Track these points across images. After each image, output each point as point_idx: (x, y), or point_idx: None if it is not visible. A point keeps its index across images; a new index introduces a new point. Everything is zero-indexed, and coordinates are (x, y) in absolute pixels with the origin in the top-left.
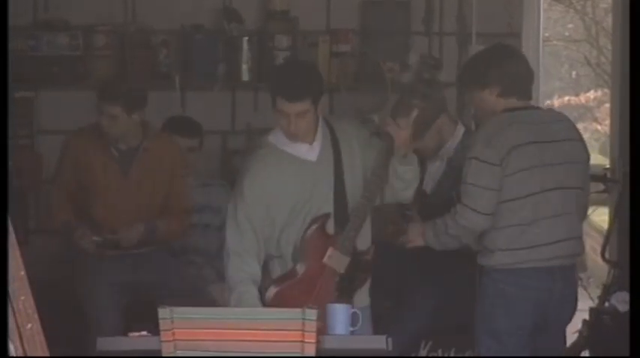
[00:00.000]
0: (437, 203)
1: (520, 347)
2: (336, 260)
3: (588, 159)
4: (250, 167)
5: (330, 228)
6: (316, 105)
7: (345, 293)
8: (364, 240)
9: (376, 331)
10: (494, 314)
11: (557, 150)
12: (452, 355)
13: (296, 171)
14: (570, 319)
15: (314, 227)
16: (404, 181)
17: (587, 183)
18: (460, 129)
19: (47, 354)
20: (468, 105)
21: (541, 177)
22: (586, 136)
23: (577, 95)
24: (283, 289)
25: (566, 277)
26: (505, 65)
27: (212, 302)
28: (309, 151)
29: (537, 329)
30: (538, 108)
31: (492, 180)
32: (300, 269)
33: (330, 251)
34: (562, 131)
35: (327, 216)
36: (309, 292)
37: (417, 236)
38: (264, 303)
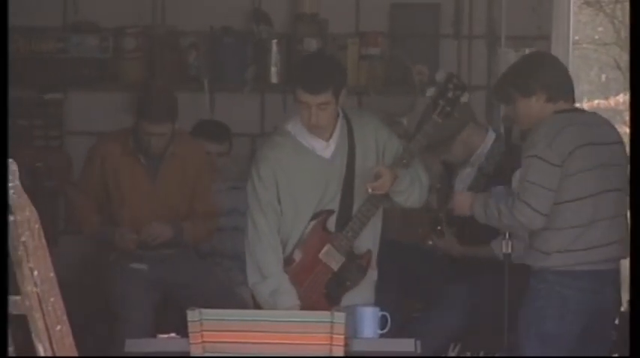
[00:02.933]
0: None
1: (567, 351)
2: (331, 257)
3: (628, 161)
4: (267, 153)
5: (332, 225)
6: (337, 97)
7: (333, 292)
8: (363, 244)
9: (405, 334)
10: (545, 316)
11: (610, 152)
12: (481, 355)
13: (309, 165)
14: (614, 322)
15: (316, 221)
16: (401, 194)
17: (627, 185)
18: (491, 136)
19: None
20: (509, 112)
21: (599, 178)
22: None
23: (606, 98)
24: None
25: (614, 280)
26: (549, 71)
27: (240, 305)
28: (325, 148)
29: (586, 333)
30: (585, 110)
31: (553, 180)
32: (297, 258)
33: (326, 247)
34: (610, 133)
35: (329, 212)
36: (300, 284)
37: (464, 206)
38: None
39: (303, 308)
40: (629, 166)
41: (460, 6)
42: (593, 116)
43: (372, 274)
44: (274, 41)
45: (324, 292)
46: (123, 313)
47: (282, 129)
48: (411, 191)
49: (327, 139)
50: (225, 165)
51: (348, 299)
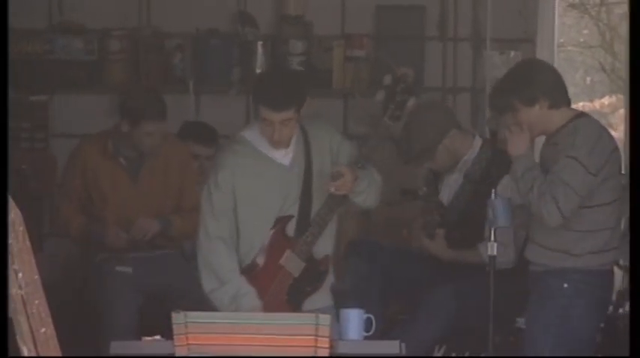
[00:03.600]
0: (454, 214)
1: (588, 349)
2: (291, 263)
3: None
4: (225, 161)
5: (292, 230)
6: (299, 111)
7: (294, 298)
8: (322, 249)
9: (390, 336)
10: (570, 315)
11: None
12: (466, 356)
13: (269, 173)
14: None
15: (276, 227)
16: (360, 194)
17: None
18: (478, 142)
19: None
20: (508, 120)
21: (620, 181)
22: None
23: (591, 101)
24: None
25: (613, 280)
26: (548, 77)
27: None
28: (284, 156)
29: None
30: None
31: (585, 187)
32: (260, 264)
33: (287, 253)
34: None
35: (289, 217)
36: (264, 290)
37: (519, 146)
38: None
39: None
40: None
41: (445, 8)
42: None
43: (330, 278)
44: (260, 43)
45: (285, 298)
46: (107, 315)
47: (240, 137)
48: (369, 192)
49: (286, 147)
50: (211, 168)
51: (308, 304)
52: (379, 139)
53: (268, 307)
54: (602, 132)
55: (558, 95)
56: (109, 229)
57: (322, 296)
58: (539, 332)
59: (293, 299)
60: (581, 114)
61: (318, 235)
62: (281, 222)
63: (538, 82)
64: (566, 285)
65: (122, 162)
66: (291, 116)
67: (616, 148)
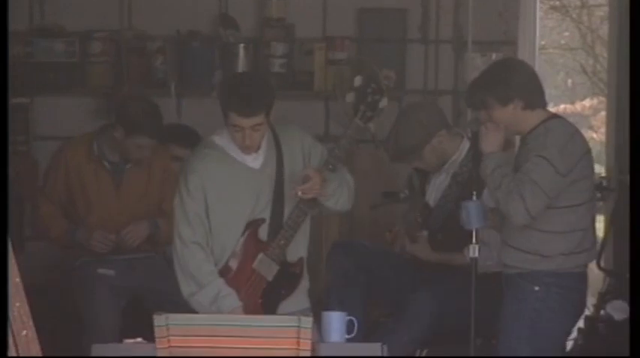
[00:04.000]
0: (440, 215)
1: (560, 350)
2: (265, 266)
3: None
4: (196, 166)
5: (264, 234)
6: (268, 116)
7: (269, 302)
8: (295, 252)
9: (372, 339)
10: (541, 318)
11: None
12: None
13: (239, 176)
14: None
15: (248, 231)
16: (330, 197)
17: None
18: (465, 144)
19: None
20: (482, 117)
21: (591, 183)
22: None
23: (573, 103)
24: None
25: (587, 282)
26: (524, 77)
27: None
28: (254, 159)
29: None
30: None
31: (554, 187)
32: (233, 267)
33: (260, 256)
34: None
35: (261, 221)
36: (237, 293)
37: (492, 143)
38: None
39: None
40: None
41: (427, 11)
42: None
43: (305, 281)
44: (241, 45)
45: (260, 302)
46: (89, 318)
47: (209, 142)
48: (340, 194)
49: (256, 150)
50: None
51: (283, 307)
52: (350, 141)
53: (243, 310)
54: (574, 133)
55: (533, 96)
56: (96, 233)
57: (298, 299)
58: (513, 335)
59: (268, 302)
60: (554, 116)
61: (291, 238)
62: (253, 225)
63: (514, 81)
64: (537, 288)
65: (106, 165)
66: (261, 121)
67: (588, 151)
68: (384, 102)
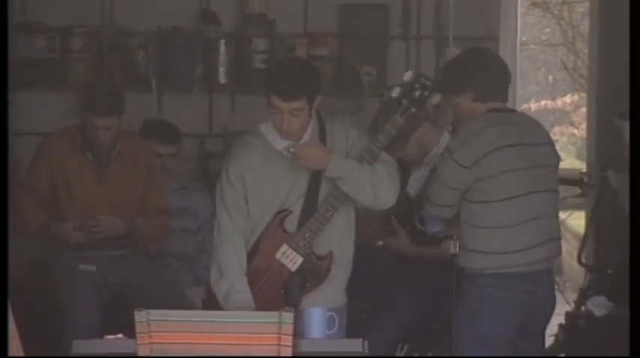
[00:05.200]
0: (420, 207)
1: (503, 351)
2: (288, 257)
3: (559, 162)
4: (237, 151)
5: (291, 225)
6: (311, 104)
7: (291, 293)
8: (325, 246)
9: (353, 334)
10: (480, 319)
11: (537, 153)
12: (429, 355)
13: (279, 166)
14: (549, 321)
15: (272, 221)
16: (344, 182)
17: (558, 185)
18: (445, 136)
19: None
20: (446, 109)
21: (526, 179)
22: (563, 140)
23: (554, 99)
24: None
25: (547, 280)
26: (478, 71)
27: (189, 306)
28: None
29: (520, 333)
30: (514, 111)
31: (456, 180)
32: (255, 255)
33: (283, 247)
34: (538, 134)
35: (288, 212)
36: (256, 281)
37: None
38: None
39: (259, 305)
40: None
41: (408, 7)
42: (520, 117)
43: (334, 277)
44: (222, 41)
45: (281, 292)
46: (70, 314)
47: (255, 129)
48: (360, 184)
49: (298, 141)
50: (173, 167)
51: (308, 302)
52: (387, 137)
53: (262, 298)
54: (488, 127)
55: (485, 89)
56: (65, 225)
57: (324, 295)
58: (459, 335)
59: (291, 293)
60: (490, 111)
61: (318, 231)
62: (279, 215)
63: (466, 73)
64: (475, 289)
65: (89, 157)
66: (301, 106)
67: (502, 146)
68: (435, 99)
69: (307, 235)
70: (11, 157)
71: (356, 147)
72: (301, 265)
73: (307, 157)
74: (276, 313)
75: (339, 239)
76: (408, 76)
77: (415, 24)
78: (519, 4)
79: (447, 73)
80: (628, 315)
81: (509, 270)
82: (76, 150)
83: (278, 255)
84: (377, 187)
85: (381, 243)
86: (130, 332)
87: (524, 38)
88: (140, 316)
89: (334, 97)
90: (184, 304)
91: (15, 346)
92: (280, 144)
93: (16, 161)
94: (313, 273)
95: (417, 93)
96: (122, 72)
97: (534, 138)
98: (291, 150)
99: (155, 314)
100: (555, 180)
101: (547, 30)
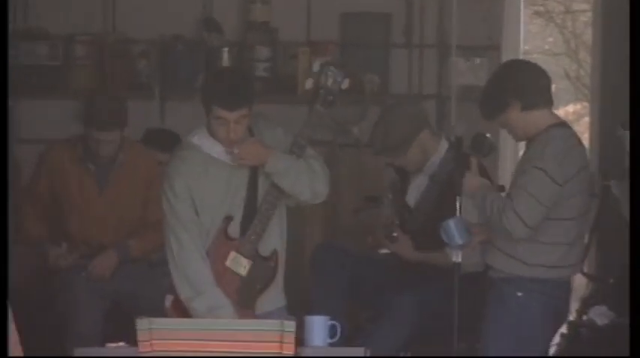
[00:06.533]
0: (420, 216)
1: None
2: (237, 263)
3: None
4: (178, 167)
5: (234, 231)
6: (251, 109)
7: (246, 297)
8: (268, 245)
9: (355, 343)
10: (524, 323)
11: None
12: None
13: (218, 175)
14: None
15: (217, 229)
16: (281, 177)
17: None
18: (444, 145)
19: None
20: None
21: (585, 199)
22: None
23: (556, 109)
24: None
25: (571, 288)
26: (514, 79)
27: (189, 314)
28: (230, 154)
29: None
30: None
31: (551, 197)
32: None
33: (231, 254)
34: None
35: (229, 219)
36: None
37: (473, 186)
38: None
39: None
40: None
41: (411, 15)
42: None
43: (280, 275)
44: (225, 49)
45: (236, 299)
46: (72, 322)
47: (187, 143)
48: (298, 179)
49: (232, 146)
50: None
51: (261, 305)
52: (311, 127)
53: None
54: (575, 146)
55: (532, 96)
56: (55, 252)
57: (274, 296)
58: (494, 339)
59: (244, 299)
60: (560, 123)
61: (262, 232)
62: (223, 223)
63: (506, 84)
64: (520, 294)
65: (91, 168)
66: (245, 113)
67: (586, 166)
68: (345, 84)
69: (252, 238)
70: (12, 162)
71: (284, 143)
72: (251, 269)
73: (249, 154)
74: (278, 321)
75: (280, 237)
76: (316, 66)
77: (418, 32)
78: (522, 13)
79: (486, 95)
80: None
81: (557, 280)
82: (77, 160)
83: (228, 262)
84: (313, 181)
85: (382, 250)
86: (131, 340)
87: (526, 47)
88: (142, 324)
89: (337, 105)
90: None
91: (17, 353)
92: (217, 151)
93: (17, 167)
94: (262, 275)
95: (330, 82)
96: (124, 79)
97: (586, 159)
98: (235, 151)
99: (157, 322)
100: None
101: (550, 39)
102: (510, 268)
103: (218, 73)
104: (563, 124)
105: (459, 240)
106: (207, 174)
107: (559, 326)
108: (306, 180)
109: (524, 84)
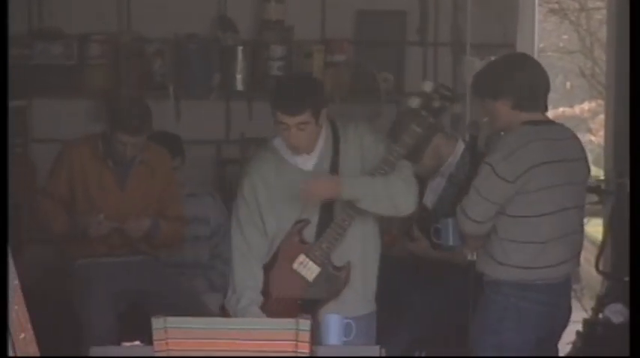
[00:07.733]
0: (438, 217)
1: None
2: (305, 268)
3: (589, 176)
4: (250, 168)
5: (309, 235)
6: (317, 116)
7: (308, 304)
8: (343, 256)
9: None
10: (502, 328)
11: (572, 169)
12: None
13: (290, 179)
14: (564, 330)
15: (290, 231)
16: (360, 202)
17: (585, 201)
18: (460, 146)
19: None
20: (482, 115)
21: (559, 196)
22: None
23: (571, 106)
24: None
25: (567, 291)
26: (518, 76)
27: (205, 312)
28: (307, 161)
29: (537, 343)
30: (554, 122)
31: (498, 193)
32: (273, 266)
33: (300, 258)
34: (574, 149)
35: (305, 222)
36: (272, 294)
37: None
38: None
39: (277, 315)
40: (588, 181)
41: (426, 13)
42: (559, 129)
43: (351, 288)
44: (240, 48)
45: (298, 303)
46: (86, 321)
47: (268, 144)
48: (376, 200)
49: (309, 152)
50: (178, 178)
51: (327, 311)
52: (405, 147)
53: (278, 309)
54: (531, 142)
55: (525, 96)
56: (93, 216)
57: (342, 307)
58: (478, 343)
59: (308, 305)
60: (531, 122)
61: (335, 241)
62: (297, 226)
63: (506, 77)
64: (499, 298)
65: (110, 165)
66: (305, 120)
67: (541, 164)
68: (455, 110)
69: (324, 245)
70: (27, 163)
71: (372, 152)
72: (318, 275)
73: (319, 190)
74: (293, 320)
75: (359, 248)
76: (427, 86)
77: (433, 30)
78: (537, 10)
79: (485, 75)
80: None
81: (535, 282)
82: (97, 157)
83: (295, 265)
84: (394, 198)
85: (398, 249)
86: (146, 339)
87: (541, 45)
88: (157, 323)
89: (351, 104)
90: (201, 310)
91: (33, 352)
92: (292, 157)
93: (32, 167)
94: (330, 284)
95: (437, 104)
96: (139, 79)
97: (571, 154)
98: (301, 186)
99: (172, 321)
100: (584, 196)
101: (565, 37)
102: (490, 270)
103: (281, 78)
104: (534, 123)
105: (451, 241)
106: (280, 177)
107: (541, 332)
108: (386, 199)
109: (522, 86)
